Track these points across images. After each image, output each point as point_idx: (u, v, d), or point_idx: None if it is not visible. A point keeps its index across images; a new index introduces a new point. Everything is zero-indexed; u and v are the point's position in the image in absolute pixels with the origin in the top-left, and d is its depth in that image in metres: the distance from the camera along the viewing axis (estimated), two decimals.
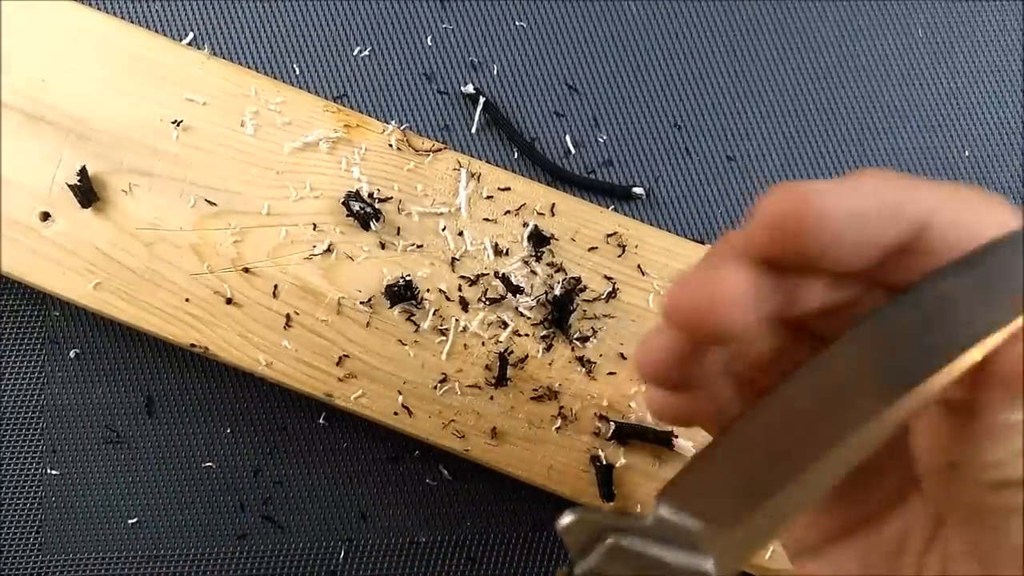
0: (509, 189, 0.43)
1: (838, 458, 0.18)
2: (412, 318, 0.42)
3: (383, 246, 0.42)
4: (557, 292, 0.42)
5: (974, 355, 0.16)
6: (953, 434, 0.18)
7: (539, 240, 0.42)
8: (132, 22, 0.44)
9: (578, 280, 0.42)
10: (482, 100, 0.47)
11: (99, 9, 0.44)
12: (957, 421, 0.18)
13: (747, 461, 0.18)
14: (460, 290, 0.42)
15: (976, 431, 0.17)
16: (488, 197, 0.43)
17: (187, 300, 0.41)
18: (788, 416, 0.18)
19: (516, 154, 0.47)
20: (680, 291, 0.18)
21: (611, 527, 0.20)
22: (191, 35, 0.47)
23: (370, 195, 0.42)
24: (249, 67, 0.46)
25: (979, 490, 0.18)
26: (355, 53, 0.48)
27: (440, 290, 0.42)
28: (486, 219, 0.43)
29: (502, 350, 0.42)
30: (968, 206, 0.18)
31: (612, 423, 0.41)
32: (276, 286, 0.42)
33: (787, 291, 0.18)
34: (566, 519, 0.20)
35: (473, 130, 0.48)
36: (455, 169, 0.43)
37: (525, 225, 0.43)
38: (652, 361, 0.20)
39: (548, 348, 0.42)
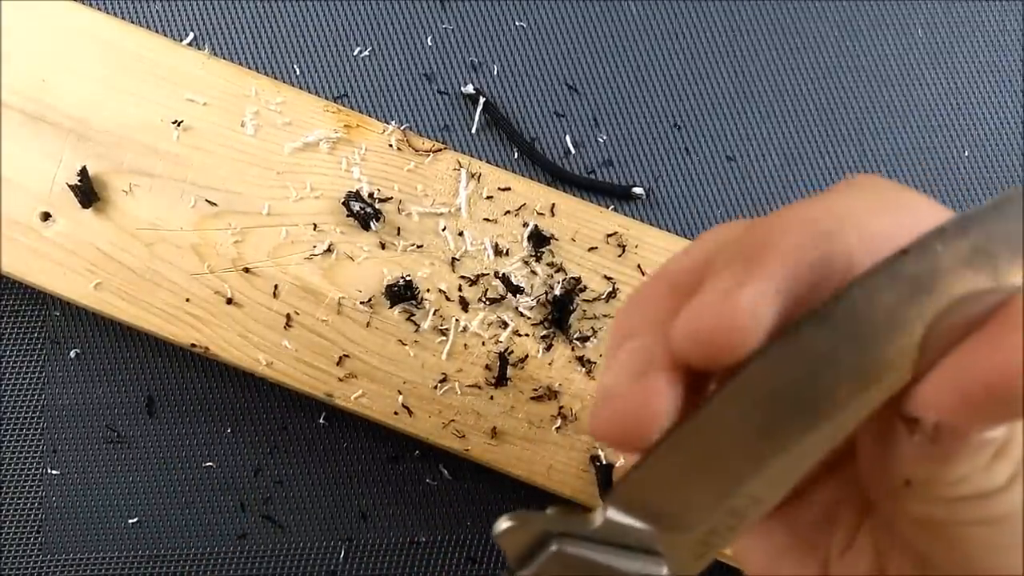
0: (509, 189, 0.43)
1: (801, 452, 0.16)
2: (412, 318, 0.42)
3: (383, 246, 0.42)
4: (557, 292, 0.42)
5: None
6: (914, 452, 0.17)
7: (539, 240, 0.42)
8: (132, 22, 0.44)
9: (578, 280, 0.42)
10: (482, 100, 0.47)
11: (99, 9, 0.44)
12: (918, 439, 0.17)
13: (702, 459, 0.17)
14: (460, 290, 0.42)
15: (945, 450, 0.16)
16: (488, 197, 0.43)
17: (187, 300, 0.41)
18: (745, 409, 0.16)
19: (516, 154, 0.47)
20: (609, 414, 0.17)
21: (555, 532, 0.18)
22: (191, 35, 0.47)
23: (370, 195, 0.42)
24: (249, 67, 0.46)
25: (934, 504, 0.17)
26: (355, 53, 0.48)
27: (440, 290, 0.42)
28: (486, 219, 0.43)
29: (502, 350, 0.42)
30: (886, 226, 0.16)
31: None
32: (276, 286, 0.42)
33: (705, 379, 0.18)
34: (503, 524, 0.18)
35: (473, 130, 0.48)
36: (455, 169, 0.43)
37: (525, 225, 0.43)
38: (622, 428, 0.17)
39: (548, 348, 0.42)
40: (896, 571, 0.20)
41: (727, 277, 0.16)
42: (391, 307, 0.42)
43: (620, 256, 0.43)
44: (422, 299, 0.42)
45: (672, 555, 0.18)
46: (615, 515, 0.18)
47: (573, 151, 0.48)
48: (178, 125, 0.42)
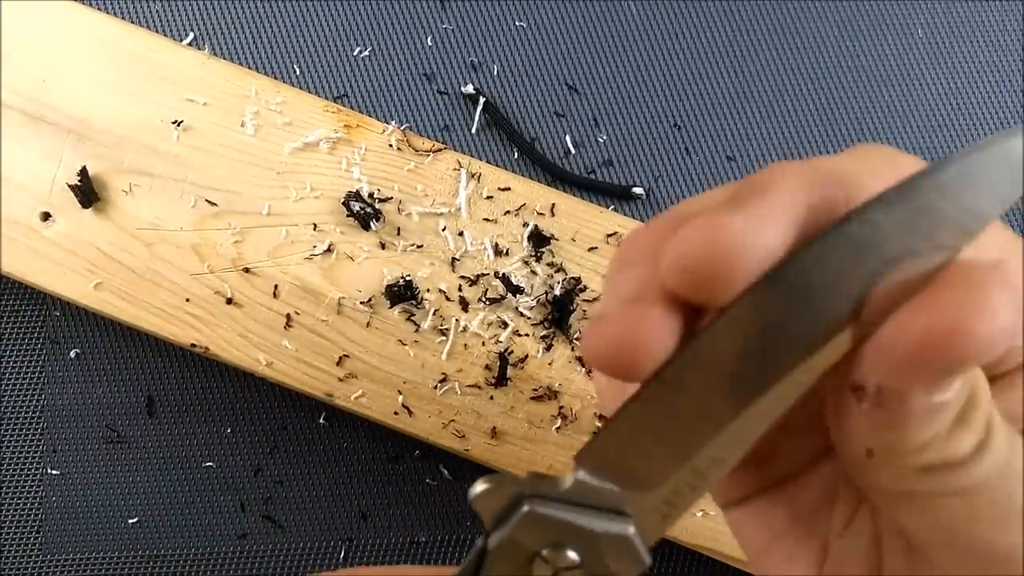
0: (509, 189, 0.43)
1: (764, 411, 0.17)
2: (412, 318, 0.42)
3: (383, 246, 0.42)
4: (557, 292, 0.42)
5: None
6: (866, 420, 0.17)
7: (539, 240, 0.42)
8: (132, 22, 0.44)
9: (578, 280, 0.42)
10: (482, 100, 0.47)
11: (99, 9, 0.44)
12: (866, 406, 0.17)
13: (666, 419, 0.17)
14: (460, 290, 0.42)
15: (893, 416, 0.16)
16: (488, 197, 0.43)
17: (187, 300, 0.41)
18: (704, 370, 0.17)
19: (516, 154, 0.47)
20: (600, 339, 0.17)
21: (527, 494, 0.19)
22: (191, 35, 0.47)
23: (370, 195, 0.42)
24: (249, 67, 0.46)
25: (901, 475, 0.17)
26: (355, 53, 0.48)
27: (440, 290, 0.42)
28: (486, 219, 0.43)
29: (502, 350, 0.42)
30: (883, 186, 0.16)
31: None
32: (276, 286, 0.42)
33: (702, 317, 0.18)
34: (478, 488, 0.19)
35: (473, 130, 0.48)
36: (455, 169, 0.43)
37: (525, 225, 0.43)
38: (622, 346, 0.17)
39: (548, 348, 0.42)
40: (891, 552, 0.20)
41: (721, 209, 0.16)
42: (391, 307, 0.42)
43: None
44: (422, 299, 0.42)
45: (638, 515, 0.18)
46: (584, 476, 0.18)
47: (573, 151, 0.48)
48: (178, 125, 0.42)
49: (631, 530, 0.18)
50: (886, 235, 0.15)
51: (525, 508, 0.18)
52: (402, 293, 0.41)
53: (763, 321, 0.16)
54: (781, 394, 0.17)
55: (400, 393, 0.41)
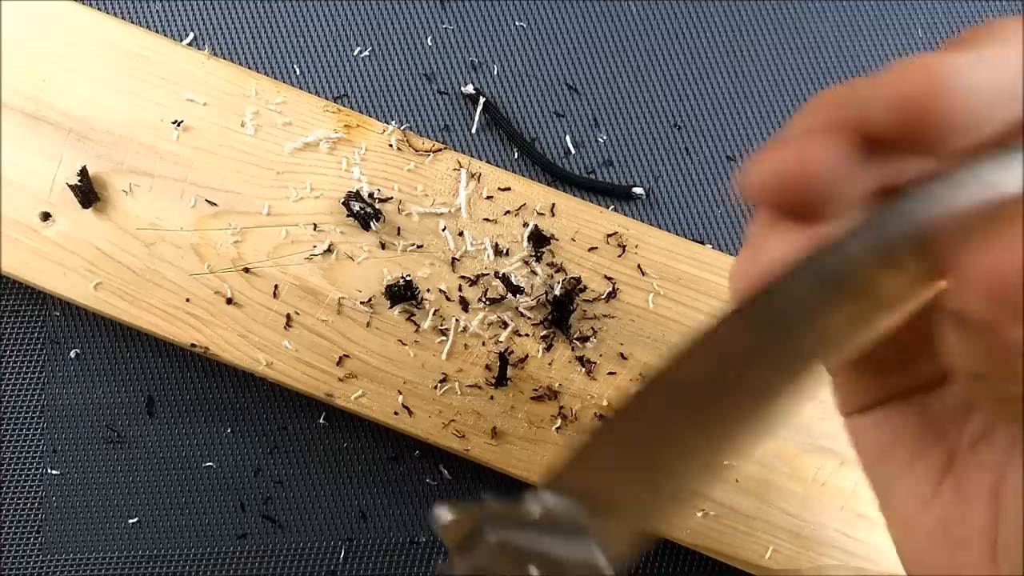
0: (509, 189, 0.43)
1: (726, 441, 0.17)
2: (412, 318, 0.42)
3: (383, 246, 0.42)
4: (557, 292, 0.42)
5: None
6: (972, 348, 0.16)
7: (539, 240, 0.42)
8: (132, 22, 0.44)
9: (578, 280, 0.42)
10: (482, 100, 0.47)
11: (99, 9, 0.44)
12: (968, 334, 0.16)
13: (633, 444, 0.17)
14: (460, 290, 0.42)
15: (991, 346, 0.15)
16: (488, 197, 0.43)
17: (187, 300, 0.41)
18: (671, 398, 0.17)
19: (516, 154, 0.47)
20: (764, 162, 0.16)
21: (492, 520, 0.18)
22: (191, 35, 0.47)
23: (370, 195, 0.42)
24: (249, 67, 0.46)
25: (1009, 401, 0.17)
26: (355, 53, 0.48)
27: (440, 290, 0.42)
28: (486, 219, 0.43)
29: (502, 350, 0.42)
30: None
31: None
32: (276, 286, 0.42)
33: (883, 171, 0.16)
34: (444, 517, 0.18)
35: (473, 130, 0.48)
36: (455, 169, 0.43)
37: (525, 225, 0.43)
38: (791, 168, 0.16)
39: (548, 348, 0.42)
40: (1016, 466, 0.19)
41: (944, 50, 0.14)
42: (391, 307, 0.42)
43: (620, 256, 0.43)
44: (422, 299, 0.42)
45: (606, 540, 0.18)
46: (550, 501, 0.18)
47: (573, 151, 0.48)
48: (178, 125, 0.42)
49: (598, 555, 0.18)
50: (855, 266, 0.15)
51: (491, 536, 0.18)
52: (402, 293, 0.41)
53: (730, 351, 0.16)
54: (748, 423, 0.16)
55: (400, 393, 0.41)
